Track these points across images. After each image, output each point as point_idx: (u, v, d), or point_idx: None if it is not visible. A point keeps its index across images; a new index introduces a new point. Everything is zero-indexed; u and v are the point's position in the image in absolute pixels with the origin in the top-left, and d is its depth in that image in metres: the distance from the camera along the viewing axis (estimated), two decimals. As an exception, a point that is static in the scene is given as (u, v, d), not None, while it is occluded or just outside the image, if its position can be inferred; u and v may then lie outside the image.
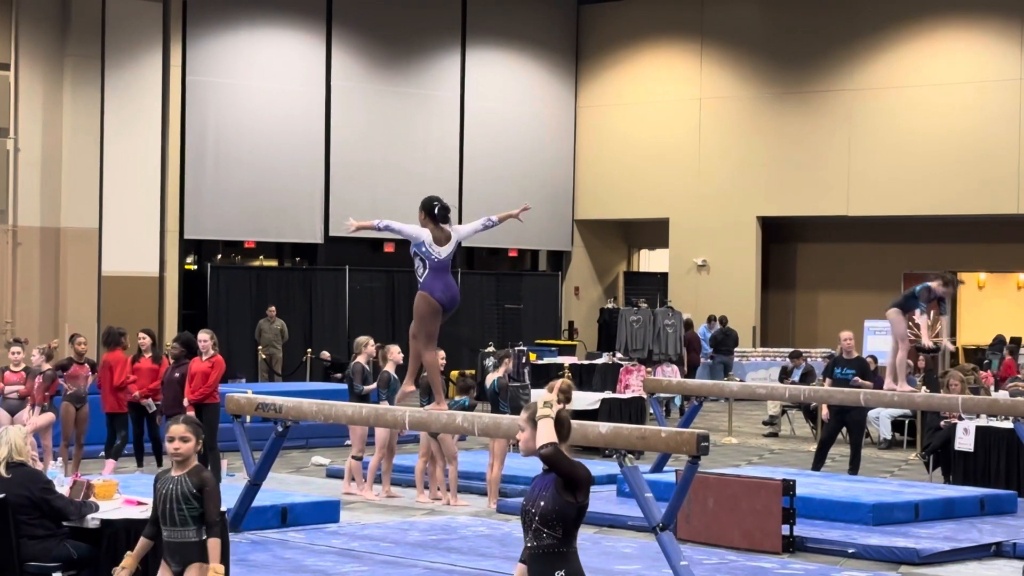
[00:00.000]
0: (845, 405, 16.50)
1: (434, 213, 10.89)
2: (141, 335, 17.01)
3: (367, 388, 15.54)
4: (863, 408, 17.23)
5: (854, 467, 17.18)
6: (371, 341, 16.05)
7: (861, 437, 17.62)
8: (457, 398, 15.06)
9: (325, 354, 27.33)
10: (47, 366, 16.19)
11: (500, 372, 15.98)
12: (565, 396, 6.53)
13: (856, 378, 17.10)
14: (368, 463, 15.72)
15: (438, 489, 15.22)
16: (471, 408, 14.85)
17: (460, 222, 31.30)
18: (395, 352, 15.50)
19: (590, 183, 33.74)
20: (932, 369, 24.07)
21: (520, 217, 11.50)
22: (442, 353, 15.47)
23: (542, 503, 6.14)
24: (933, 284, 15.11)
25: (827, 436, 17.42)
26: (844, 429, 17.74)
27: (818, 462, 17.14)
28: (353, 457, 15.72)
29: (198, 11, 27.86)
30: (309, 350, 27.58)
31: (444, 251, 10.84)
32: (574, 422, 11.38)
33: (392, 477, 15.75)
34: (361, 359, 15.78)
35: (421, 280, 10.90)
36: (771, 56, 31.40)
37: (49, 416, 16.07)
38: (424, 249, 10.79)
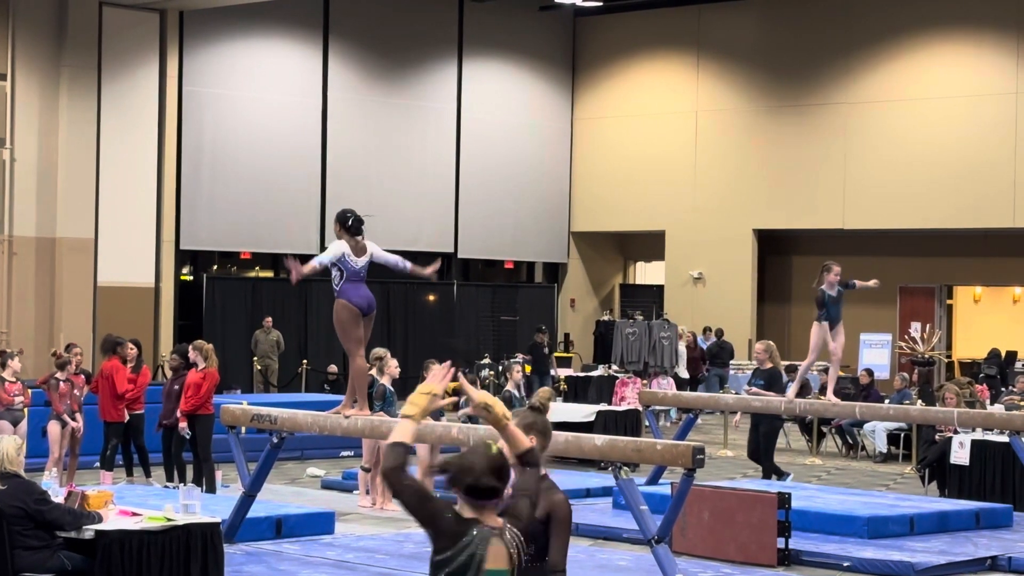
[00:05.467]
0: (758, 415, 16.58)
1: (348, 224, 11.44)
2: (129, 345, 17.00)
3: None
4: (774, 418, 17.23)
5: (766, 473, 17.07)
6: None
7: (772, 446, 17.45)
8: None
9: (332, 368, 27.25)
10: (61, 374, 16.20)
11: (510, 386, 16.17)
12: (543, 406, 6.20)
13: (758, 390, 17.00)
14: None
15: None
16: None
17: (456, 233, 31.62)
18: (392, 366, 15.52)
19: (586, 195, 33.75)
20: (928, 382, 24.09)
21: (428, 274, 11.87)
22: (394, 363, 15.59)
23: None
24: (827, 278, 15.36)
25: (753, 448, 17.31)
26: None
27: (766, 472, 17.06)
28: (362, 468, 15.71)
29: (195, 22, 27.86)
30: (304, 361, 27.55)
31: (360, 261, 11.40)
32: (570, 435, 11.40)
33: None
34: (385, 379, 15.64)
35: (337, 289, 11.37)
36: (767, 69, 31.43)
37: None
38: (342, 259, 11.29)
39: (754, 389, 17.01)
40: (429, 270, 11.89)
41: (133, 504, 10.93)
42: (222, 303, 28.52)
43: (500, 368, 17.50)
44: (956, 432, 16.29)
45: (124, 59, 26.29)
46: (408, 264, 11.78)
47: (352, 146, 30.21)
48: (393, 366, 15.55)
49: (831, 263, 15.49)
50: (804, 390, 22.88)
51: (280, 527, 13.14)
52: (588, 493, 15.92)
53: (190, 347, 16.13)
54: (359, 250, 11.41)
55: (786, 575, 12.17)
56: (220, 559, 10.15)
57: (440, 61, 31.80)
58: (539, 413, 6.04)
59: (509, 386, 16.60)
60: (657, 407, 21.49)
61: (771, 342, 18.06)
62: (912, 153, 29.41)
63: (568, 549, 5.87)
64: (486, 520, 4.93)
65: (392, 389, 15.35)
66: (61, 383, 16.16)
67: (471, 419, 14.60)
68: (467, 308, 32.07)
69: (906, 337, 28.49)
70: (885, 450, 21.15)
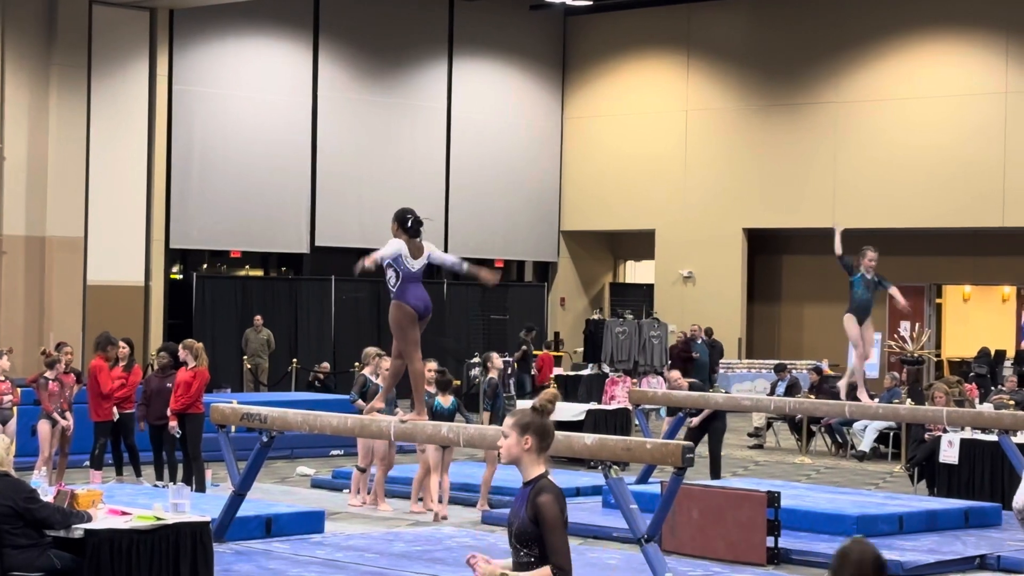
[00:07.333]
0: (708, 417, 16.63)
1: (407, 226, 11.14)
2: (121, 344, 16.99)
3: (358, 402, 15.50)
4: (725, 416, 17.26)
5: (715, 471, 17.05)
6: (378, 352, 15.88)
7: (720, 444, 17.45)
8: (445, 404, 14.97)
9: (324, 365, 27.23)
10: (50, 373, 16.20)
11: (493, 374, 16.23)
12: (550, 405, 6.21)
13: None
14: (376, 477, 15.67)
15: (426, 500, 15.19)
16: (454, 411, 14.84)
17: (447, 232, 31.60)
18: (497, 359, 15.63)
19: (576, 194, 33.76)
20: (917, 381, 24.12)
21: (488, 280, 12.22)
22: (432, 364, 15.48)
23: (517, 521, 5.94)
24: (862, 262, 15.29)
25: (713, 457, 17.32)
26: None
27: (718, 470, 17.08)
28: (357, 468, 15.70)
29: (185, 20, 27.84)
30: (295, 360, 27.54)
31: (417, 263, 11.06)
32: (560, 434, 11.41)
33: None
34: (367, 371, 15.71)
35: (393, 291, 11.05)
36: (757, 68, 31.46)
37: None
38: (399, 260, 10.96)
39: (695, 421, 17.01)
40: (487, 276, 11.86)
41: (123, 503, 10.92)
42: (212, 302, 28.49)
43: (481, 360, 17.63)
44: (945, 431, 16.32)
45: (114, 57, 26.24)
46: (465, 265, 11.68)
47: (342, 145, 30.20)
48: (498, 359, 16.03)
49: (867, 248, 15.44)
50: (794, 389, 22.97)
51: (270, 526, 13.13)
52: (578, 492, 15.94)
53: (180, 346, 16.13)
54: (416, 251, 11.09)
55: (775, 574, 12.18)
56: (210, 558, 10.15)
57: (430, 60, 31.79)
58: (539, 414, 6.04)
59: (492, 374, 16.60)
60: (647, 406, 21.51)
61: (676, 371, 18.20)
62: (902, 152, 29.45)
63: (566, 546, 5.89)
64: None
65: (500, 383, 15.62)
66: (50, 382, 16.16)
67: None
68: (457, 307, 32.06)
69: (895, 336, 28.53)
70: (867, 449, 21.14)
